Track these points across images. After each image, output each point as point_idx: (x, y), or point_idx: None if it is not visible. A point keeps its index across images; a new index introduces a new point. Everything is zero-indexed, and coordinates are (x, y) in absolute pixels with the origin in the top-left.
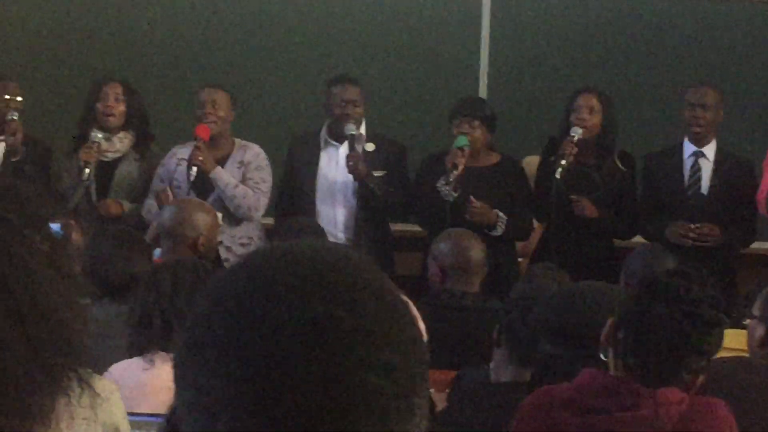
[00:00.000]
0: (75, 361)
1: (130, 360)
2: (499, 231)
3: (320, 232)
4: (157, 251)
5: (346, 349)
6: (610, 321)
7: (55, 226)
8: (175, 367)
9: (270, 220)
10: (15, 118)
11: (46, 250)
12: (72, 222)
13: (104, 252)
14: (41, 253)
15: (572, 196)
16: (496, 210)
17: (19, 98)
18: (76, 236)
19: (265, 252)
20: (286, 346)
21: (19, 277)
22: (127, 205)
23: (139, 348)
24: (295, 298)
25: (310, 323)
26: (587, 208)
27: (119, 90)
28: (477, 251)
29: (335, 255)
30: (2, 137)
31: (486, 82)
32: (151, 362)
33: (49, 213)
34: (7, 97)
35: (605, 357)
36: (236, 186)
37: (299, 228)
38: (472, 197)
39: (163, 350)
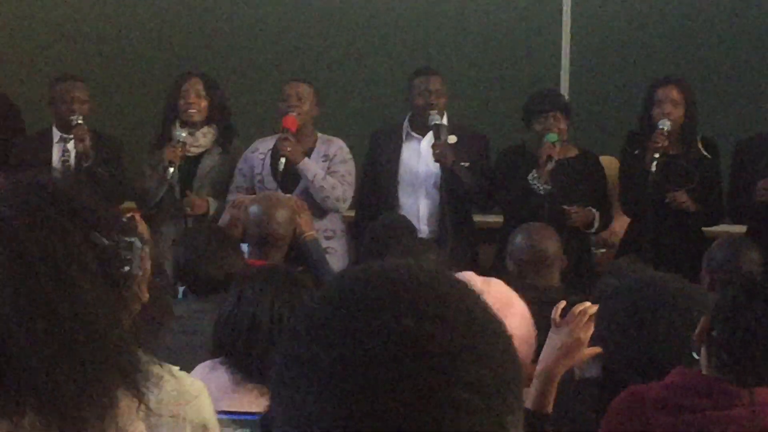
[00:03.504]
0: (119, 370)
1: (214, 360)
2: (595, 227)
3: (411, 229)
4: (245, 247)
5: (436, 365)
6: (704, 319)
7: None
8: (271, 379)
9: (352, 213)
10: (80, 122)
11: (95, 256)
12: (136, 214)
13: (198, 249)
14: (89, 260)
15: (670, 193)
16: (590, 208)
17: (84, 99)
18: (142, 228)
19: (358, 270)
20: (377, 360)
21: (59, 285)
22: (212, 204)
23: (223, 350)
24: (387, 313)
25: (401, 338)
26: (687, 202)
27: (200, 86)
28: (551, 243)
29: (428, 274)
30: (70, 137)
31: (568, 74)
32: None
33: (106, 216)
34: (69, 98)
35: (697, 355)
36: (324, 177)
37: (390, 224)
38: (566, 207)
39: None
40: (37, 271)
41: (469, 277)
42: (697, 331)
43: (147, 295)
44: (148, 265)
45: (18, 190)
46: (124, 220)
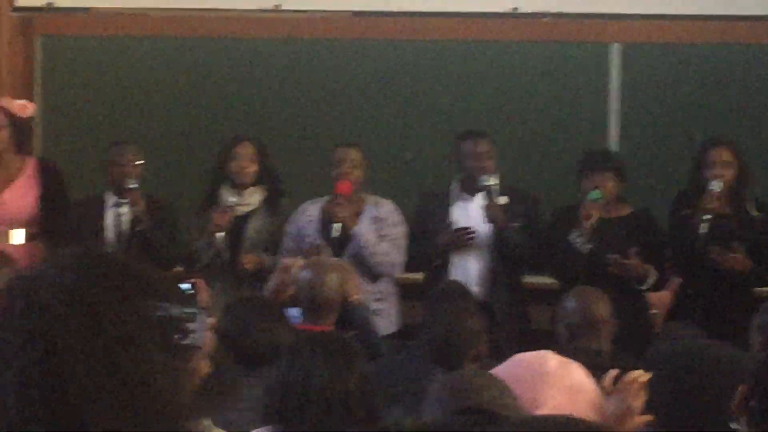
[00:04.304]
0: None
1: (266, 428)
2: (648, 284)
3: (468, 295)
4: (294, 311)
5: None
6: (741, 388)
7: (185, 286)
8: None
9: (401, 275)
10: (135, 186)
11: (158, 325)
12: (200, 282)
13: (243, 321)
14: (156, 330)
15: (721, 252)
16: (642, 263)
17: (138, 162)
18: (204, 296)
19: None
20: None
21: (129, 354)
22: (267, 258)
23: (274, 417)
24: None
25: None
26: (739, 262)
27: (251, 150)
28: (602, 307)
29: None
30: (125, 201)
31: (617, 133)
32: None
33: (166, 287)
34: (123, 162)
35: (737, 427)
36: (376, 243)
37: (447, 291)
38: (614, 255)
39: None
40: (109, 337)
41: (545, 356)
42: (735, 400)
43: (208, 368)
44: (210, 337)
45: (84, 259)
46: (188, 287)
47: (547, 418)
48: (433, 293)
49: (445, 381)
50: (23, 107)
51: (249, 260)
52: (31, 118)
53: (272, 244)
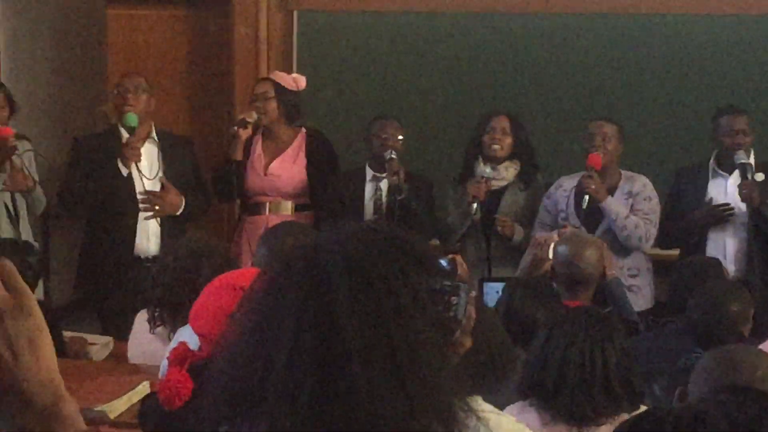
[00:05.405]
0: (437, 412)
1: (524, 402)
2: None
3: (720, 271)
4: None
5: None
6: None
7: (442, 262)
8: None
9: (657, 251)
10: (393, 157)
11: (427, 298)
12: (458, 257)
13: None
14: (426, 303)
15: None
16: None
17: (400, 137)
18: (462, 271)
19: None
20: None
21: (400, 325)
22: (518, 231)
23: (532, 391)
24: None
25: None
26: None
27: (506, 123)
28: None
29: None
30: (383, 175)
31: None
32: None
33: (433, 257)
34: (384, 136)
35: None
36: (627, 216)
37: (701, 266)
38: None
39: (557, 395)
40: (382, 308)
41: None
42: None
43: (470, 342)
44: (473, 311)
45: (364, 231)
46: (446, 262)
47: None
48: (688, 270)
49: (714, 357)
50: (295, 80)
51: (505, 223)
52: (301, 91)
53: (526, 218)
